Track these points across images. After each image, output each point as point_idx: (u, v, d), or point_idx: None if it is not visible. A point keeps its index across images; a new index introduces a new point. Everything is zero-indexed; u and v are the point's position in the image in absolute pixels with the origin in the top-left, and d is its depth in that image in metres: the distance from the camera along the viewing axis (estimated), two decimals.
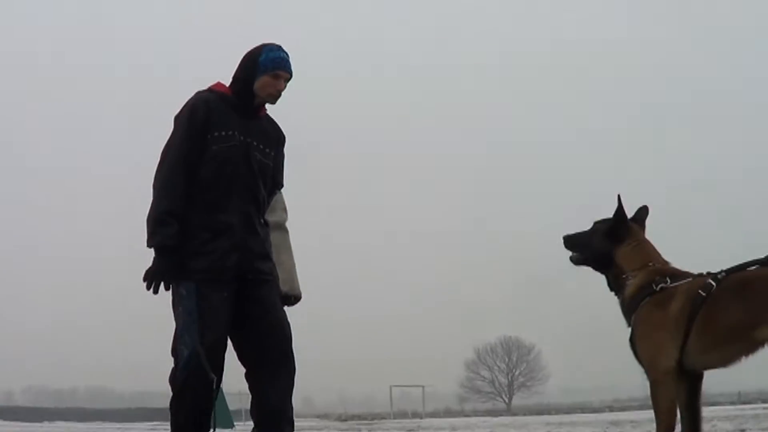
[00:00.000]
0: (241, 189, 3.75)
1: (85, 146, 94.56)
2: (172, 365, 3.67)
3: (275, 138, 3.95)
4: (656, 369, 2.90)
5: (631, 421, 8.49)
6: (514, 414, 31.37)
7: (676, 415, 2.92)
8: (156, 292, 3.63)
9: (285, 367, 3.92)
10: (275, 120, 3.99)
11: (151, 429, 11.82)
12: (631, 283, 3.06)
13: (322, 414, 46.43)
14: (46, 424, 18.73)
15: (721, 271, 2.90)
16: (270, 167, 3.88)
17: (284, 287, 4.21)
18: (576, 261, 3.31)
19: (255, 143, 3.79)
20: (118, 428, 12.23)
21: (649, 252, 3.15)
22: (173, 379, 3.69)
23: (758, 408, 16.62)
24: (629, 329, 3.05)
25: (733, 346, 2.85)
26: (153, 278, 3.58)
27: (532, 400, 59.50)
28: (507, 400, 60.38)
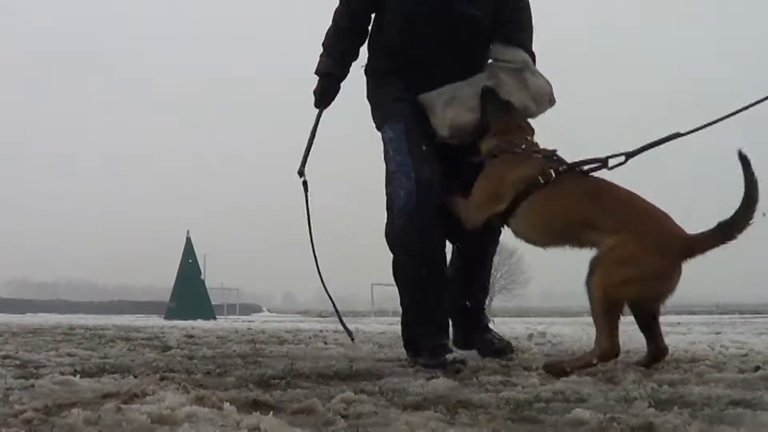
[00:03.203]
0: (436, 53, 3.30)
1: None
2: (386, 217, 3.27)
3: None
4: (468, 217, 3.08)
5: None
6: (494, 316, 31.87)
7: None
8: (317, 106, 3.56)
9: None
10: None
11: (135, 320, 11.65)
12: (481, 148, 3.17)
13: (303, 311, 47.09)
14: (29, 315, 18.58)
15: (566, 165, 2.95)
16: (479, 18, 3.24)
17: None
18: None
19: None
20: (104, 320, 12.09)
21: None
22: (390, 231, 3.25)
23: (735, 317, 17.52)
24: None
25: (560, 237, 2.95)
26: (315, 95, 3.52)
27: (512, 303, 60.85)
28: (487, 302, 61.53)
